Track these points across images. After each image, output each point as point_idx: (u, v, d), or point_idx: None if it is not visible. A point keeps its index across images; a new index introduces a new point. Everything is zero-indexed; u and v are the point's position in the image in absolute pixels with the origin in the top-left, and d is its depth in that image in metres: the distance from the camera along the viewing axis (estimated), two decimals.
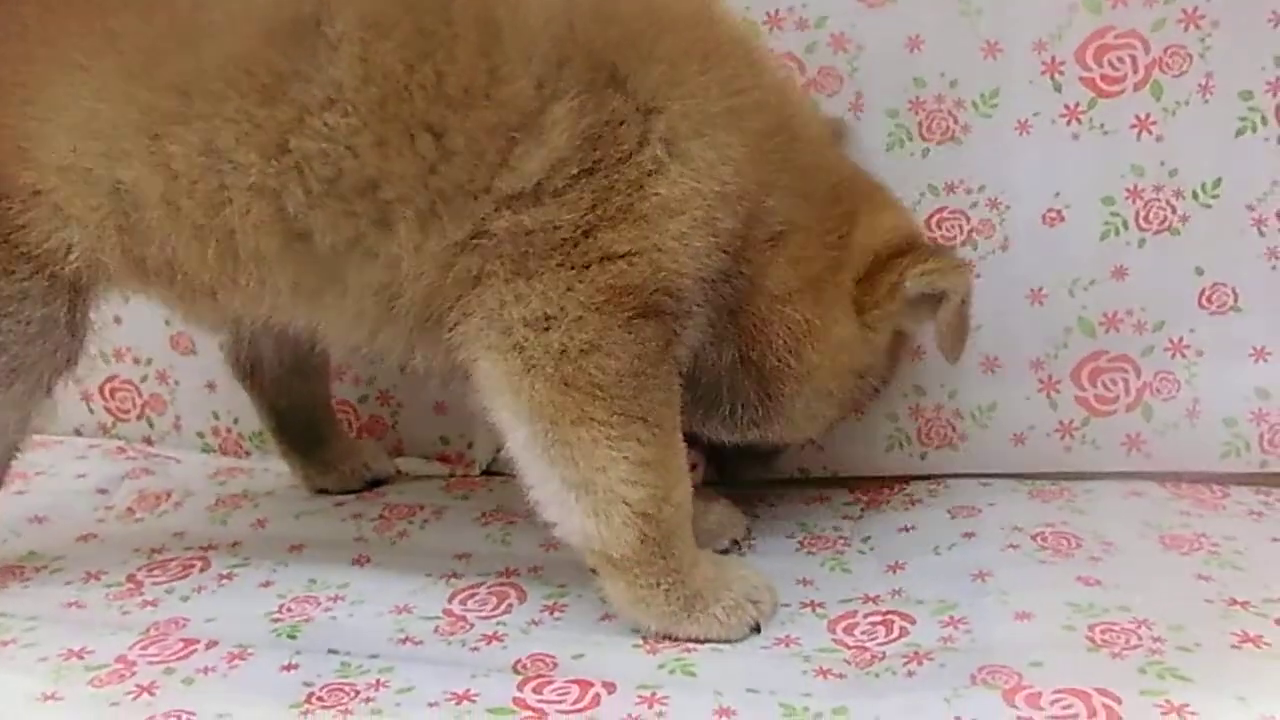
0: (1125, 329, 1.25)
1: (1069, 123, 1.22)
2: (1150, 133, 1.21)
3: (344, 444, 1.38)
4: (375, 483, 1.36)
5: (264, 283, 0.95)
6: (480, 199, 0.90)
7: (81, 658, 0.94)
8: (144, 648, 0.95)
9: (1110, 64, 1.21)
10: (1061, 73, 1.21)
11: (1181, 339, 1.25)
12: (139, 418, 1.54)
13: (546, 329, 0.89)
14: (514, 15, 0.90)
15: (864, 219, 1.04)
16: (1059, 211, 1.24)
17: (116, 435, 1.55)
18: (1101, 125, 1.22)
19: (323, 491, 1.34)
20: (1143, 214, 1.23)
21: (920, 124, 1.25)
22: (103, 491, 1.36)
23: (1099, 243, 1.24)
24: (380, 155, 0.89)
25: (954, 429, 1.30)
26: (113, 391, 1.54)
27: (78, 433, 1.56)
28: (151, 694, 0.88)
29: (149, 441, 1.53)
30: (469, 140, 0.89)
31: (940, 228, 1.26)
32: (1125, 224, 1.24)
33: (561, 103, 0.89)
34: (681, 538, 0.94)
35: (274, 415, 1.34)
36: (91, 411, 1.56)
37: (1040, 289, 1.26)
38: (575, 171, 0.89)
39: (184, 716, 0.84)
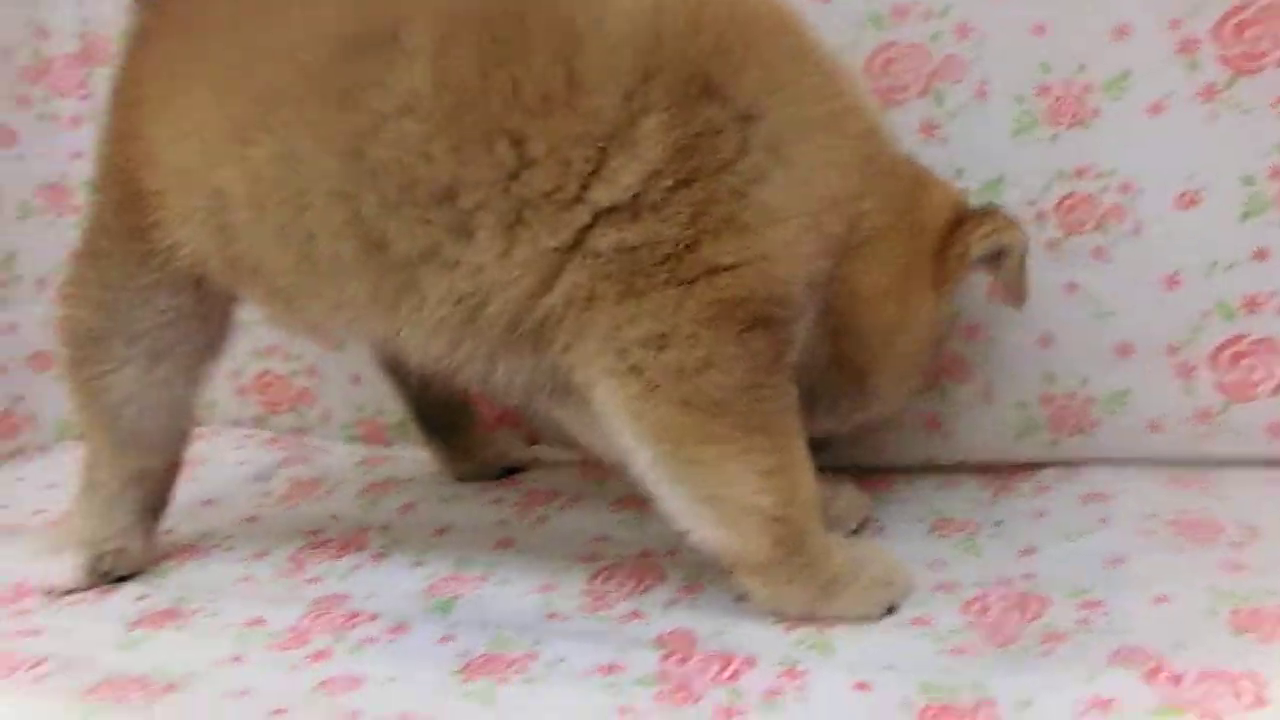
0: (1267, 312, 1.22)
1: (1205, 102, 1.19)
2: None
3: (482, 433, 1.45)
4: (513, 470, 1.43)
5: (342, 290, 0.98)
6: (574, 209, 0.90)
7: (260, 626, 1.02)
8: (313, 619, 1.03)
9: (1251, 40, 1.18)
10: (1197, 51, 1.19)
11: None
12: (290, 410, 1.65)
13: (662, 348, 0.89)
14: (594, 25, 0.91)
15: (924, 201, 1.06)
16: (1194, 194, 1.22)
17: (269, 426, 1.66)
18: (1241, 104, 1.19)
19: (463, 478, 1.41)
20: None
21: (1048, 109, 1.24)
22: (261, 479, 1.47)
23: (1239, 224, 1.21)
24: (456, 161, 0.90)
25: (1086, 416, 1.28)
26: (265, 386, 1.65)
27: (234, 424, 1.67)
28: (325, 659, 0.95)
29: (299, 432, 1.63)
30: (551, 148, 0.89)
31: (1070, 213, 1.25)
32: (1267, 204, 1.20)
33: (651, 116, 0.89)
34: (812, 530, 0.96)
35: (416, 405, 1.42)
36: (246, 405, 1.67)
37: (1175, 273, 1.23)
38: (671, 184, 0.88)
39: (355, 680, 0.91)
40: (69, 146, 1.67)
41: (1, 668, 0.96)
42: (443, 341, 0.97)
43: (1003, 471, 1.27)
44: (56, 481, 1.48)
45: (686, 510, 0.94)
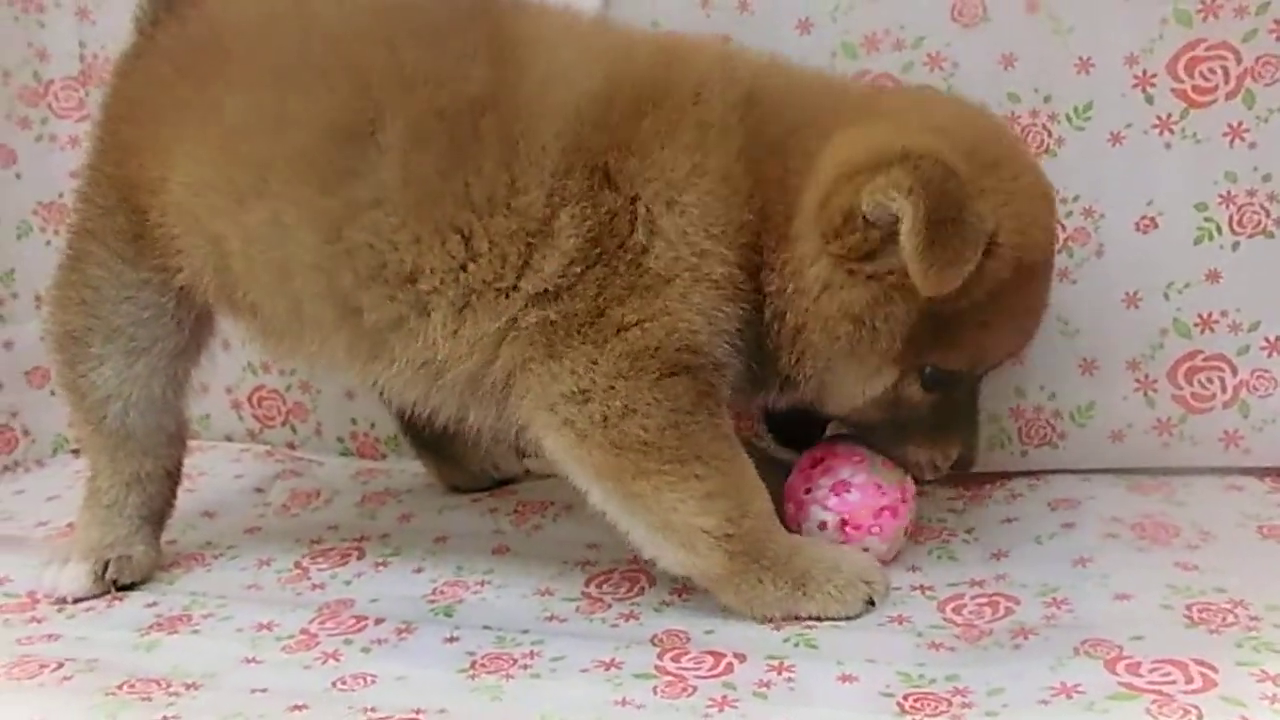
0: (1220, 329, 1.30)
1: (1161, 133, 1.27)
2: (1243, 140, 1.26)
3: (473, 445, 1.50)
4: (504, 481, 1.48)
5: (324, 343, 1.09)
6: (511, 296, 1.00)
7: (270, 630, 1.07)
8: (322, 623, 1.08)
9: (1202, 75, 1.26)
10: (1153, 85, 1.27)
11: (1277, 338, 1.29)
12: (283, 424, 1.68)
13: (585, 401, 0.99)
14: (529, 130, 1.00)
15: (836, 137, 0.99)
16: (1152, 218, 1.29)
17: (263, 440, 1.70)
18: (1194, 134, 1.27)
19: (456, 489, 1.46)
20: (1236, 218, 1.28)
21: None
22: (259, 490, 1.50)
23: (1193, 247, 1.29)
24: (417, 251, 1.01)
25: (1053, 428, 1.35)
26: (260, 400, 1.69)
27: (228, 439, 1.71)
28: (336, 660, 1.00)
29: (292, 446, 1.67)
30: (492, 244, 1.00)
31: None
32: (1219, 228, 1.28)
33: (567, 209, 0.99)
34: (770, 536, 1.03)
35: (408, 421, 1.46)
36: (240, 419, 1.71)
37: (1135, 293, 1.31)
38: (581, 269, 0.99)
39: (367, 678, 0.96)
40: (66, 166, 1.70)
41: (25, 670, 1.00)
42: (415, 393, 1.08)
43: (975, 481, 1.34)
44: (56, 493, 1.51)
45: (646, 540, 1.02)
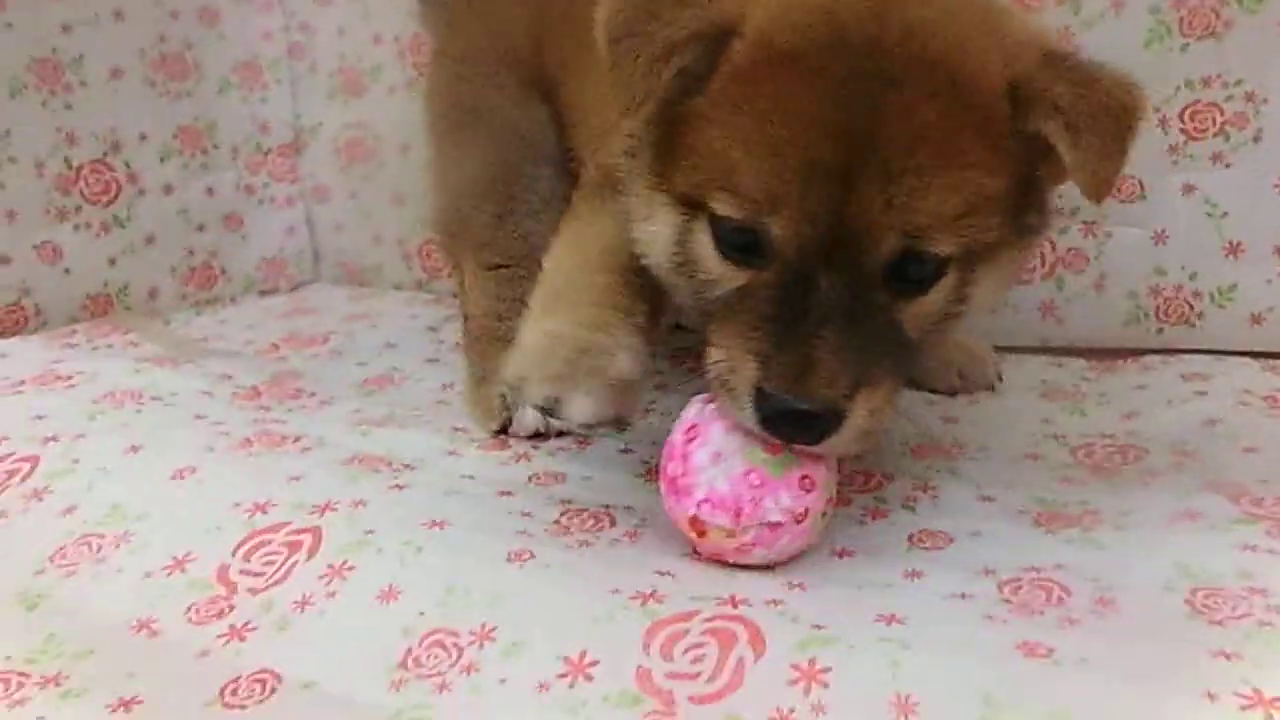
0: None
1: None
2: None
3: None
4: None
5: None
6: None
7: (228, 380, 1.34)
8: (268, 387, 1.32)
9: None
10: None
11: None
12: (449, 276, 1.82)
13: None
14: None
15: None
16: None
17: (429, 290, 1.84)
18: None
19: None
20: None
21: (1182, 20, 1.33)
22: (432, 329, 1.65)
23: None
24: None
25: (1192, 308, 1.39)
26: (429, 253, 1.83)
27: (397, 288, 1.86)
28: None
29: (455, 296, 1.80)
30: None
31: (1193, 120, 1.35)
32: None
33: None
34: None
35: None
36: (409, 270, 1.86)
37: None
38: None
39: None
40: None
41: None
42: None
43: (1109, 354, 1.39)
44: (253, 323, 1.68)
45: None
